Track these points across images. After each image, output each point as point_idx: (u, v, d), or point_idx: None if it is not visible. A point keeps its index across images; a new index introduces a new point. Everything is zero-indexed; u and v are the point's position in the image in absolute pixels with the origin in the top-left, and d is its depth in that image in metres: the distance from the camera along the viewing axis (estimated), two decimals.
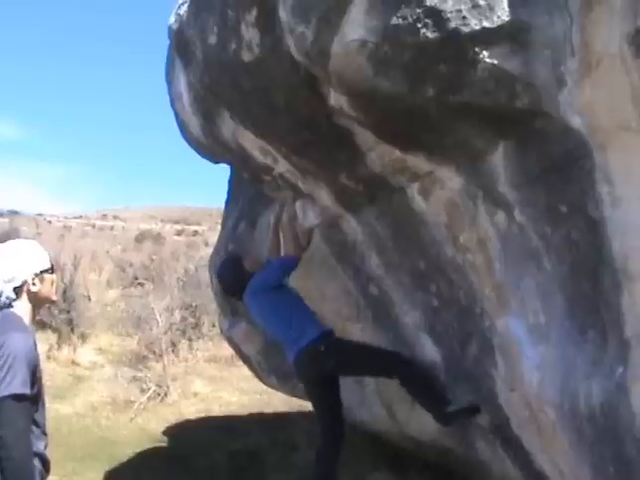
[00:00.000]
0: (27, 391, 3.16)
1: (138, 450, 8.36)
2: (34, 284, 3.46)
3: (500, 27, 3.20)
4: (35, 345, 3.38)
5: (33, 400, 3.25)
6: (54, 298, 3.71)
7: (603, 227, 3.35)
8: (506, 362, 4.33)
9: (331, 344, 5.64)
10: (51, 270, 3.58)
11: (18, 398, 3.10)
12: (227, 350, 10.85)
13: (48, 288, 3.57)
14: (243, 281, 5.87)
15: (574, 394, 3.62)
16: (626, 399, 3.29)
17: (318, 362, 5.58)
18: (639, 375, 3.24)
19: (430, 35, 3.23)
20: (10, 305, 3.39)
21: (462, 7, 3.18)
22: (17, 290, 3.41)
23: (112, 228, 74.17)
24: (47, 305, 3.76)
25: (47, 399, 3.58)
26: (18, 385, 3.11)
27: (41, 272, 3.50)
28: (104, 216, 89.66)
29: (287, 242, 5.95)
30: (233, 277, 6.03)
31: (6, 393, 3.07)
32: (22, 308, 3.43)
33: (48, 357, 12.70)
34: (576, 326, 3.66)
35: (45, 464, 3.40)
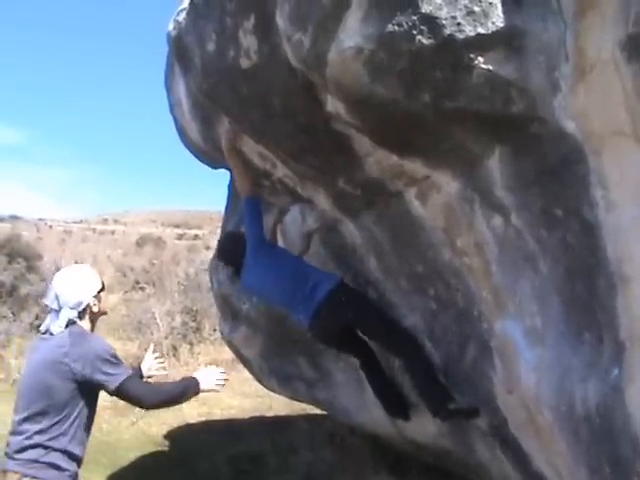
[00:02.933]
0: (130, 371, 3.85)
1: (140, 454, 8.38)
2: (95, 305, 3.93)
3: (495, 33, 3.23)
4: None
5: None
6: (107, 311, 4.22)
7: (598, 230, 3.38)
8: (504, 364, 4.36)
9: (350, 293, 5.37)
10: (103, 288, 4.05)
11: (130, 377, 3.74)
12: (228, 354, 10.85)
13: (104, 304, 4.06)
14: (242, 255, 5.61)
15: (570, 396, 3.65)
16: (621, 400, 3.31)
17: (339, 313, 5.26)
18: (634, 377, 3.27)
19: (425, 42, 3.26)
20: (74, 322, 3.80)
21: (457, 14, 3.21)
22: (81, 313, 3.86)
23: (113, 232, 74.11)
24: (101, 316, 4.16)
25: None
26: (123, 370, 3.73)
27: (98, 292, 3.97)
28: (105, 220, 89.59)
29: (236, 175, 5.71)
30: (234, 249, 5.75)
31: (121, 379, 3.68)
32: (85, 325, 3.89)
33: None
34: (572, 328, 3.69)
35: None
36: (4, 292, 17.39)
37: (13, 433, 3.67)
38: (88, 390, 3.67)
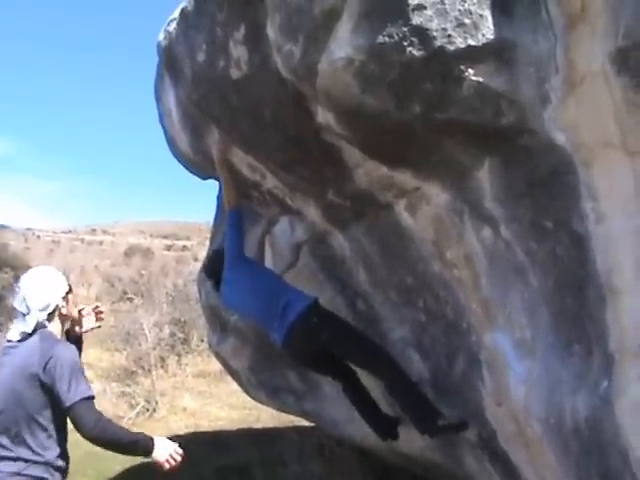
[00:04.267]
0: (92, 393, 3.60)
1: (126, 465, 8.34)
2: (63, 307, 3.86)
3: (485, 45, 3.24)
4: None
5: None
6: (75, 314, 4.08)
7: (587, 242, 3.38)
8: (493, 377, 4.35)
9: (322, 314, 5.18)
10: (70, 290, 3.95)
11: (88, 399, 3.52)
12: (216, 365, 10.83)
13: (71, 306, 3.97)
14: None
15: (560, 408, 3.64)
16: (611, 412, 3.32)
17: (312, 335, 5.10)
18: (623, 389, 3.27)
19: (416, 53, 3.26)
20: (44, 326, 3.71)
21: (447, 26, 3.21)
22: (50, 316, 3.77)
23: (101, 243, 73.98)
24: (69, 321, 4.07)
25: None
26: (85, 389, 3.54)
27: (66, 294, 3.89)
28: (93, 231, 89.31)
29: (224, 188, 5.66)
30: (215, 263, 5.68)
31: (77, 398, 3.47)
32: (55, 328, 3.81)
33: None
34: (561, 340, 3.69)
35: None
36: None
37: None
38: (56, 400, 3.53)
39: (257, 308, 5.39)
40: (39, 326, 3.68)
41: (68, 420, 3.62)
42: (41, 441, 3.54)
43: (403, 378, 5.04)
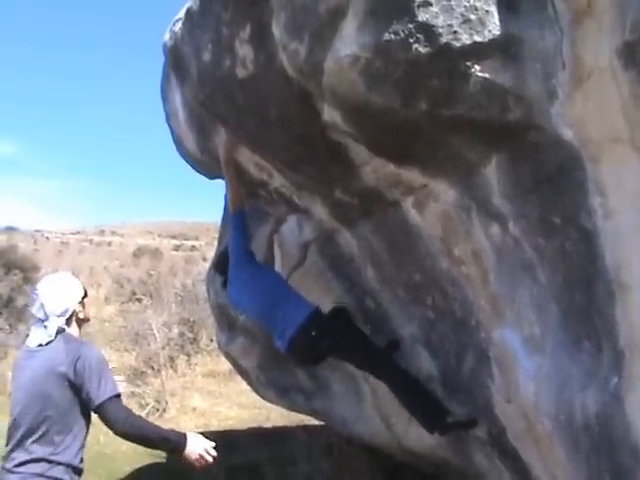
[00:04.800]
0: (120, 390, 3.73)
1: (137, 466, 8.35)
2: (80, 311, 3.95)
3: (491, 41, 3.22)
4: None
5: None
6: (90, 317, 4.16)
7: (596, 238, 3.37)
8: (502, 373, 4.35)
9: (322, 325, 5.22)
10: (85, 294, 4.03)
11: (117, 397, 3.64)
12: (225, 365, 10.85)
13: (88, 310, 4.06)
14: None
15: (570, 404, 3.63)
16: (621, 409, 3.30)
17: (312, 348, 5.25)
18: (634, 385, 3.25)
19: (422, 50, 3.25)
20: (63, 330, 3.80)
21: (453, 22, 3.20)
22: (68, 320, 3.86)
23: (110, 244, 74.07)
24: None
25: None
26: (113, 387, 3.65)
27: (82, 299, 3.98)
28: (102, 232, 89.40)
29: (229, 188, 5.71)
30: (225, 261, 5.74)
31: (106, 396, 3.58)
32: (73, 332, 3.89)
33: None
34: (571, 337, 3.68)
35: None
36: (1, 304, 17.38)
37: (14, 449, 3.61)
38: (84, 399, 3.61)
39: (261, 308, 5.45)
40: (59, 331, 3.75)
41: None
42: (65, 442, 3.60)
43: (406, 378, 5.09)
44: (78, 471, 3.68)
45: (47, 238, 76.98)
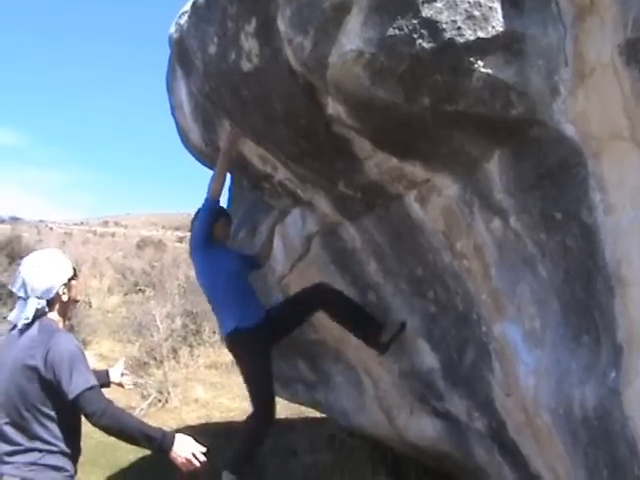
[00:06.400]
0: (94, 383, 3.45)
1: (139, 455, 8.37)
2: (64, 293, 3.64)
3: (495, 37, 3.25)
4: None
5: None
6: (79, 298, 3.91)
7: (596, 234, 3.39)
8: (502, 367, 4.37)
9: (265, 328, 5.55)
10: (74, 275, 3.73)
11: (91, 389, 3.40)
12: (228, 356, 10.85)
13: (74, 293, 3.73)
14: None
15: (569, 398, 3.66)
16: (619, 403, 3.32)
17: (253, 343, 5.51)
18: (631, 379, 3.27)
19: (426, 45, 3.28)
20: (44, 313, 3.55)
21: (457, 18, 3.23)
22: (50, 302, 3.57)
23: (113, 235, 74.22)
24: (73, 306, 3.88)
25: None
26: (85, 381, 3.40)
27: (68, 280, 3.65)
28: (105, 223, 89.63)
29: (216, 176, 5.71)
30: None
31: (79, 390, 3.35)
32: (55, 315, 3.62)
33: None
34: (571, 331, 3.70)
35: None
36: (4, 293, 17.40)
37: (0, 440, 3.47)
38: (60, 392, 3.40)
39: (215, 293, 5.78)
40: (39, 313, 3.52)
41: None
42: (53, 431, 3.45)
43: (342, 306, 5.59)
44: (71, 457, 3.55)
45: (51, 228, 77.15)
